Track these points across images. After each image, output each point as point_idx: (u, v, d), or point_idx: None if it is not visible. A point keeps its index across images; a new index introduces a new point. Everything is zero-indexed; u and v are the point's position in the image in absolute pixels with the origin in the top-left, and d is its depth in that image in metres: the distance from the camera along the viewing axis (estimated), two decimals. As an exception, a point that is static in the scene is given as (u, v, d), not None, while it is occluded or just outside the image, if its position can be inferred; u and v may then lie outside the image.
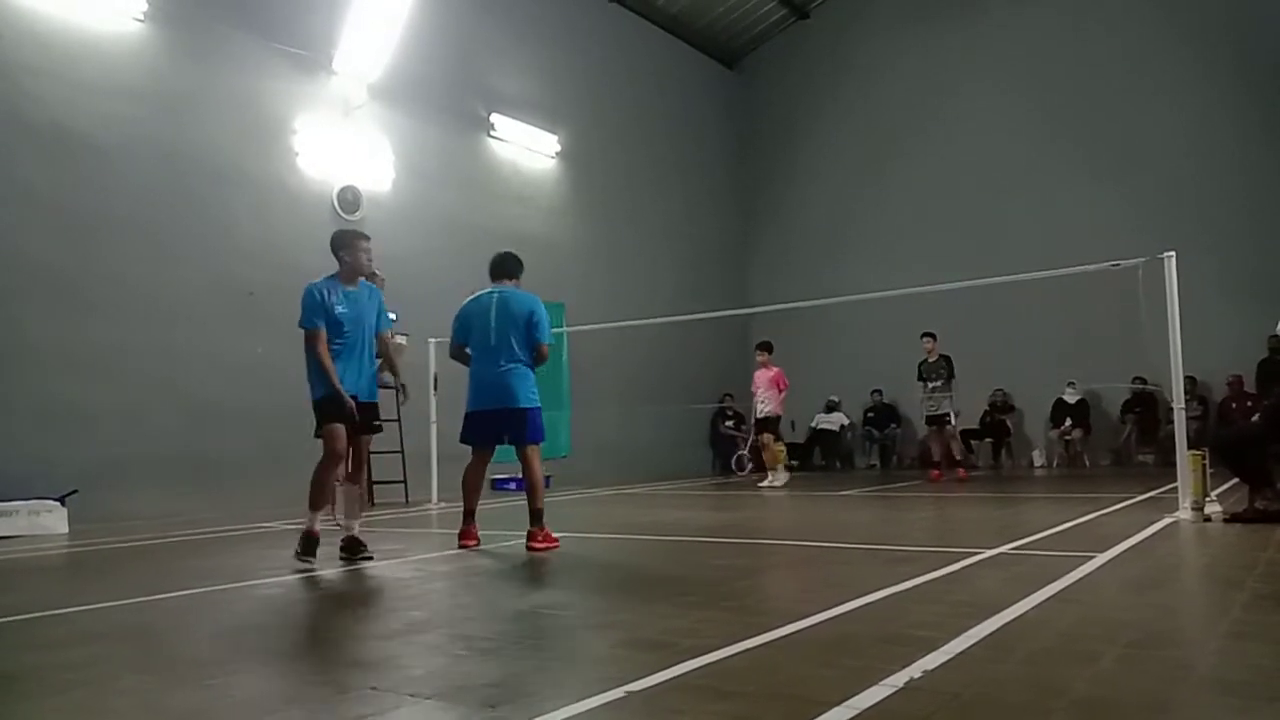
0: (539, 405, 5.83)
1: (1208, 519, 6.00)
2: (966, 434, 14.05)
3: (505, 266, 6.02)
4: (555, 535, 5.69)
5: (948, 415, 11.94)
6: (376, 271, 10.70)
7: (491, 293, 5.91)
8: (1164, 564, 4.73)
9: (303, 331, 5.15)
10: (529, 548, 5.54)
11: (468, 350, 5.90)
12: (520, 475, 5.89)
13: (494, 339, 5.74)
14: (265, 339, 9.33)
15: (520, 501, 6.08)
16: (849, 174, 16.98)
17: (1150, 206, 13.69)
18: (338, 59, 10.94)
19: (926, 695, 2.34)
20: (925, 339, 12.07)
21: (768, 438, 11.83)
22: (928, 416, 12.30)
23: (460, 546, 5.71)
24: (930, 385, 11.99)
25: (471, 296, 5.99)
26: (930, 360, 12.03)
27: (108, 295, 8.78)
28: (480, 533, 5.82)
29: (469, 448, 5.92)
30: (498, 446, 5.90)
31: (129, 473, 8.69)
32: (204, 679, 2.75)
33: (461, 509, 5.88)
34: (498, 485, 11.51)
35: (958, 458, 12.47)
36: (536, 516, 5.66)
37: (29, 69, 8.48)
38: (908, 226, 16.04)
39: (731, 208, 18.07)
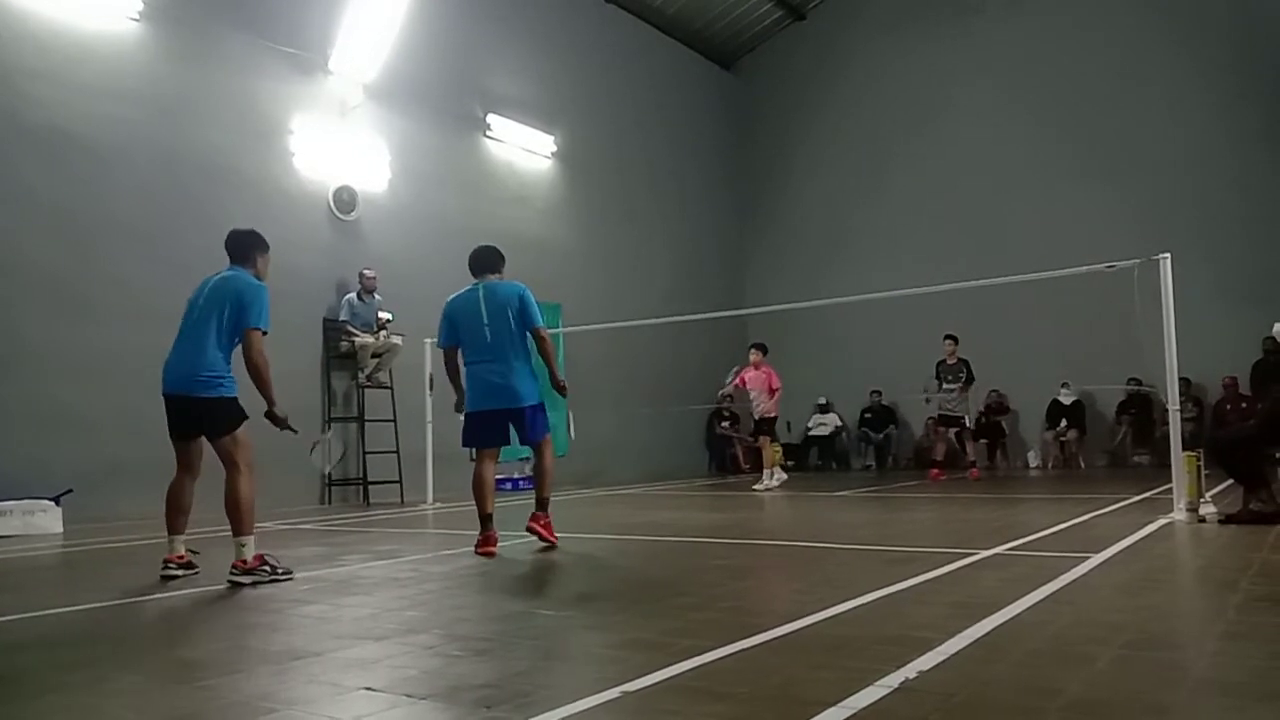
0: (541, 401, 5.69)
1: (1202, 520, 6.02)
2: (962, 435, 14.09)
3: (488, 260, 5.79)
4: (554, 534, 5.71)
5: (964, 417, 12.08)
6: (366, 272, 10.81)
7: (476, 287, 5.70)
8: (1159, 565, 4.73)
9: (258, 333, 4.88)
10: (529, 527, 5.61)
11: (459, 350, 5.72)
12: (515, 475, 5.89)
13: (489, 335, 5.55)
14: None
15: (517, 502, 6.09)
16: (846, 175, 16.99)
17: (1146, 208, 13.72)
18: (334, 59, 10.92)
19: (922, 696, 2.35)
20: (947, 341, 12.21)
21: (764, 439, 11.85)
22: (942, 416, 12.41)
23: (479, 553, 5.38)
24: (946, 386, 12.10)
25: (455, 294, 5.78)
26: (950, 362, 12.14)
27: (104, 297, 8.74)
28: (483, 534, 5.52)
29: (467, 450, 5.82)
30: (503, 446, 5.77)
31: (124, 473, 8.65)
32: (199, 679, 2.74)
33: (477, 514, 5.57)
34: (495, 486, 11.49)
35: (972, 459, 12.58)
36: (543, 503, 5.70)
37: (25, 71, 8.45)
38: (904, 228, 16.06)
39: (728, 208, 18.08)
